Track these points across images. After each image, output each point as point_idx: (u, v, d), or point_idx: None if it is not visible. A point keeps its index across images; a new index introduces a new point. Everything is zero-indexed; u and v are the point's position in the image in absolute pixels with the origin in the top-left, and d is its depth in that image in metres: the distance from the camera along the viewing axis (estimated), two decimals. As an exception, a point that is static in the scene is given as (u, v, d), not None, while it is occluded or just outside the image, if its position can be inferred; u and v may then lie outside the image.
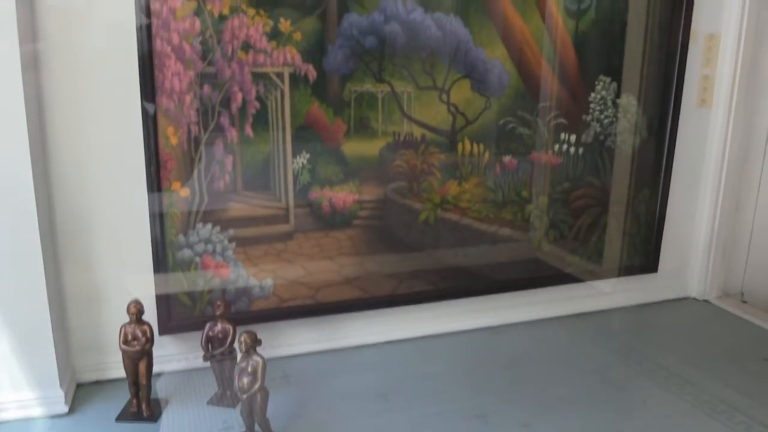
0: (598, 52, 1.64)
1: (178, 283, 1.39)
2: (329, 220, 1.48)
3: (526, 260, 1.71)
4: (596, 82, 1.66)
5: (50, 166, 1.29)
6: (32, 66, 1.21)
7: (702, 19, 1.78)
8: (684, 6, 1.72)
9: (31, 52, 1.21)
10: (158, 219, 1.35)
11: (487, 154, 1.59)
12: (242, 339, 1.17)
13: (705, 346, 1.66)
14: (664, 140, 1.79)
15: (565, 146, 1.67)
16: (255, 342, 1.17)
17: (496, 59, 1.53)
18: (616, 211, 1.78)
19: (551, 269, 1.74)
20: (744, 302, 2.02)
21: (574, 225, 1.74)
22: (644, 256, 1.87)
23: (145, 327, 1.27)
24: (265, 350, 1.20)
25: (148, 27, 1.25)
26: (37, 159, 1.23)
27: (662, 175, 1.81)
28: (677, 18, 1.72)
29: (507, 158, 1.61)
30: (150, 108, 1.29)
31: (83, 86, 1.27)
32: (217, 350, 1.30)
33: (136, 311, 1.26)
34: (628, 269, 1.86)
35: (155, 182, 1.33)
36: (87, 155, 1.31)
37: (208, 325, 1.31)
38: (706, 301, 1.99)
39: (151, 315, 1.33)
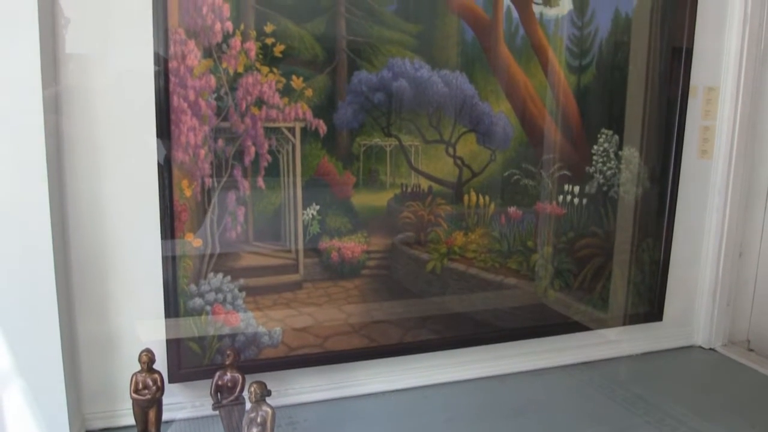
0: (599, 105, 1.69)
1: (189, 331, 1.41)
2: (338, 270, 1.51)
3: (532, 309, 1.72)
4: (598, 135, 1.70)
5: (67, 213, 1.33)
6: (53, 110, 1.26)
7: (701, 72, 1.83)
8: (683, 60, 1.77)
9: (53, 96, 1.26)
10: (171, 269, 1.37)
11: (492, 205, 1.62)
12: (252, 389, 1.18)
13: (712, 396, 1.66)
14: (666, 190, 1.82)
15: (568, 197, 1.70)
16: (264, 392, 1.18)
17: (501, 113, 1.58)
18: (620, 260, 1.81)
19: (557, 318, 1.76)
20: (750, 350, 2.02)
21: (579, 274, 1.76)
22: (649, 304, 1.88)
23: (156, 376, 1.29)
24: (273, 398, 1.22)
25: (166, 85, 1.30)
26: (56, 205, 1.26)
27: (665, 224, 1.84)
28: (676, 71, 1.77)
29: (512, 209, 1.64)
30: (165, 161, 1.33)
31: (100, 137, 1.32)
32: (226, 399, 1.32)
33: (148, 360, 1.28)
34: (633, 318, 1.87)
35: (169, 233, 1.36)
36: (103, 204, 1.35)
37: (217, 374, 1.33)
38: (712, 349, 1.99)
39: (161, 363, 1.35)
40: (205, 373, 1.39)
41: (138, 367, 1.28)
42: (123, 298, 1.40)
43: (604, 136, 1.71)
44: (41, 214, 1.22)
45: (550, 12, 1.59)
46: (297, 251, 1.47)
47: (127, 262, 1.39)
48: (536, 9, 1.57)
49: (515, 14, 1.56)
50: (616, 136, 1.72)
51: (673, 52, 1.76)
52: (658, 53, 1.74)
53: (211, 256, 1.41)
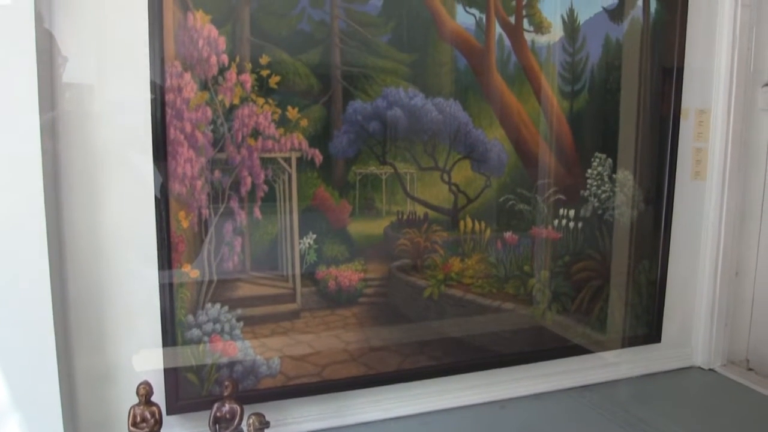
0: (592, 130, 1.71)
1: (187, 362, 1.41)
2: (335, 299, 1.51)
3: (530, 334, 1.72)
4: (592, 159, 1.72)
5: (65, 245, 1.33)
6: (50, 151, 1.27)
7: (692, 94, 1.85)
8: (674, 83, 1.79)
9: (49, 129, 1.27)
10: (168, 300, 1.38)
11: (488, 231, 1.63)
12: (251, 421, 1.18)
13: (713, 417, 1.65)
14: (661, 212, 1.83)
15: (564, 221, 1.71)
16: (263, 424, 1.18)
17: (495, 140, 1.60)
18: (617, 283, 1.81)
19: (555, 342, 1.76)
20: (750, 369, 2.02)
21: (577, 297, 1.77)
22: (647, 326, 1.88)
23: (154, 408, 1.28)
24: (272, 428, 1.22)
25: (162, 117, 1.31)
26: (53, 237, 1.27)
27: (661, 245, 1.85)
28: (668, 94, 1.79)
29: (508, 234, 1.65)
30: (162, 193, 1.34)
31: (97, 170, 1.33)
32: (224, 430, 1.31)
33: (146, 393, 1.28)
34: (632, 339, 1.87)
35: (166, 264, 1.36)
36: (100, 236, 1.35)
37: (215, 405, 1.33)
38: (711, 370, 1.99)
39: (158, 394, 1.35)
40: (203, 405, 1.39)
41: (136, 400, 1.28)
42: (120, 330, 1.39)
43: (597, 159, 1.72)
44: (39, 246, 1.22)
45: (542, 39, 1.61)
46: (294, 280, 1.47)
47: (125, 293, 1.39)
48: (528, 36, 1.60)
49: (507, 42, 1.58)
50: (610, 160, 1.74)
51: (664, 75, 1.79)
52: (649, 77, 1.77)
53: (209, 286, 1.41)
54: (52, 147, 1.27)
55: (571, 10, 1.63)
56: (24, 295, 1.23)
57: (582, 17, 1.64)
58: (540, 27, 1.61)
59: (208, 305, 1.41)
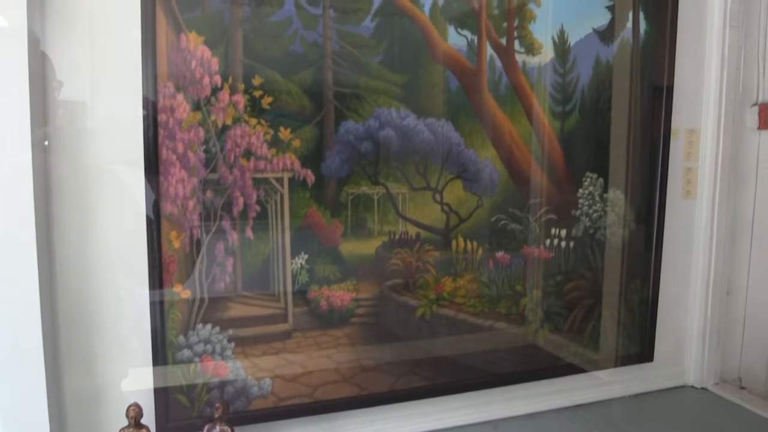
0: (583, 150, 1.72)
1: (177, 383, 1.40)
2: (327, 319, 1.50)
3: (522, 353, 1.72)
4: (583, 179, 1.73)
5: (55, 264, 1.33)
6: (41, 156, 1.27)
7: (682, 114, 1.87)
8: (664, 103, 1.81)
9: (41, 150, 1.27)
10: (159, 321, 1.37)
11: (480, 251, 1.63)
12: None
13: (705, 438, 1.66)
14: (652, 232, 1.84)
15: (556, 240, 1.71)
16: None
17: (486, 160, 1.61)
18: (609, 302, 1.81)
19: (547, 361, 1.75)
20: (742, 388, 2.02)
21: (569, 317, 1.77)
22: (639, 345, 1.88)
23: (144, 431, 1.27)
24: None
25: (155, 138, 1.32)
26: (43, 256, 1.26)
27: (652, 265, 1.86)
28: (658, 114, 1.81)
29: (500, 254, 1.65)
30: (154, 213, 1.34)
31: (89, 190, 1.33)
32: (214, 454, 1.30)
33: (135, 415, 1.26)
34: (625, 359, 1.87)
35: (157, 284, 1.36)
36: (91, 256, 1.35)
37: (206, 427, 1.32)
38: (704, 388, 1.99)
39: (149, 416, 1.33)
40: (193, 427, 1.37)
41: (125, 422, 1.26)
42: (110, 351, 1.38)
43: (589, 179, 1.73)
44: (29, 265, 1.22)
45: (533, 60, 1.63)
46: (286, 300, 1.47)
47: (115, 314, 1.38)
48: (519, 57, 1.61)
49: (498, 63, 1.59)
50: (601, 179, 1.75)
51: (654, 95, 1.80)
52: (639, 97, 1.78)
53: (200, 306, 1.40)
54: (43, 165, 1.27)
55: (562, 32, 1.65)
56: (13, 314, 1.22)
57: (572, 38, 1.66)
58: (531, 48, 1.62)
59: (199, 326, 1.40)
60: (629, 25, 1.74)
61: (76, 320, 1.36)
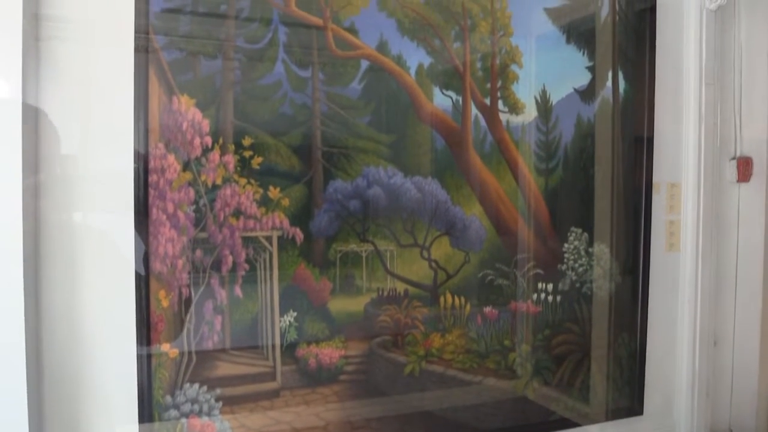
0: (568, 205, 1.76)
1: (163, 445, 1.38)
2: (315, 377, 1.50)
3: (512, 409, 1.72)
4: (568, 234, 1.76)
5: (42, 321, 1.32)
6: (32, 232, 1.28)
7: (662, 169, 1.91)
8: (644, 158, 1.86)
9: (31, 214, 1.28)
10: (146, 381, 1.36)
11: (468, 306, 1.64)
12: None
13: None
14: (637, 285, 1.86)
15: (543, 295, 1.73)
16: None
17: (473, 216, 1.63)
18: (597, 356, 1.82)
19: (537, 416, 1.75)
20: (733, 440, 2.02)
21: (558, 371, 1.77)
22: (629, 398, 1.88)
23: (128, 496, 1.25)
24: None
25: (145, 198, 1.33)
26: (30, 311, 1.26)
27: (639, 317, 1.87)
28: (639, 170, 1.86)
29: (488, 309, 1.67)
30: (143, 272, 1.34)
31: (78, 250, 1.33)
32: None
33: (120, 479, 1.25)
34: (615, 412, 1.86)
35: (145, 344, 1.35)
36: (77, 315, 1.34)
37: (192, 491, 1.30)
38: (695, 441, 1.98)
39: (134, 480, 1.32)
40: (179, 490, 1.35)
41: (109, 487, 1.24)
42: (96, 411, 1.36)
43: (573, 234, 1.76)
44: (16, 321, 1.21)
45: (516, 119, 1.68)
46: (274, 358, 1.46)
47: (101, 373, 1.36)
48: (503, 117, 1.66)
49: (483, 122, 1.64)
50: (586, 234, 1.78)
51: (635, 152, 1.85)
52: (621, 153, 1.83)
53: (188, 366, 1.40)
54: (33, 224, 1.28)
55: (544, 92, 1.70)
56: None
57: (554, 98, 1.72)
58: (514, 108, 1.67)
59: (187, 385, 1.39)
60: (609, 84, 1.80)
61: (61, 378, 1.34)
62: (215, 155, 1.39)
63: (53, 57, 1.30)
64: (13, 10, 1.21)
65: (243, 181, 1.41)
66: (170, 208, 1.36)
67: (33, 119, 1.28)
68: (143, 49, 1.33)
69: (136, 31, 1.33)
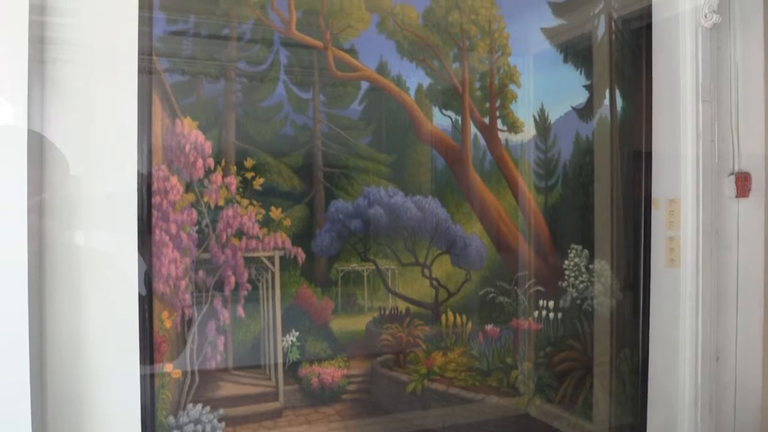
0: (567, 222, 1.77)
1: (166, 466, 1.38)
2: (318, 396, 1.50)
3: (515, 426, 1.71)
4: (569, 251, 1.77)
5: (46, 344, 1.32)
6: (36, 254, 1.29)
7: (661, 185, 1.92)
8: (643, 175, 1.87)
9: (36, 237, 1.29)
10: (149, 401, 1.36)
11: (470, 324, 1.65)
12: None
13: None
14: (638, 300, 1.87)
15: (544, 312, 1.74)
16: None
17: (473, 234, 1.64)
18: (599, 372, 1.82)
19: (540, 434, 1.75)
20: (737, 456, 2.01)
21: (560, 388, 1.77)
22: (632, 415, 1.88)
23: None
24: None
25: (149, 220, 1.35)
26: (35, 335, 1.27)
27: (640, 333, 1.87)
28: (638, 186, 1.87)
29: (489, 327, 1.67)
30: (146, 293, 1.35)
31: (81, 273, 1.34)
32: None
33: (123, 501, 1.24)
34: (618, 429, 1.86)
35: (148, 365, 1.36)
36: (82, 337, 1.35)
37: None
38: (698, 458, 1.97)
39: (136, 502, 1.32)
40: None
41: None
42: (99, 431, 1.37)
43: (574, 251, 1.77)
44: (20, 341, 1.22)
45: (515, 138, 1.69)
46: (277, 378, 1.47)
47: (105, 393, 1.37)
48: (502, 135, 1.68)
49: (482, 141, 1.65)
50: (586, 251, 1.78)
51: (634, 168, 1.87)
52: (619, 170, 1.84)
53: (191, 386, 1.40)
54: (38, 245, 1.29)
55: (542, 110, 1.72)
56: (1, 390, 1.21)
57: (553, 117, 1.74)
58: (513, 126, 1.69)
59: (190, 406, 1.40)
60: (607, 102, 1.82)
61: (65, 398, 1.34)
62: (217, 176, 1.40)
63: (58, 79, 1.32)
64: (20, 33, 1.24)
65: (245, 201, 1.42)
66: (173, 229, 1.37)
67: (38, 141, 1.29)
68: (147, 72, 1.35)
69: (139, 54, 1.35)
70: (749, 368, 2.01)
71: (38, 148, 1.30)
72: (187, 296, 1.39)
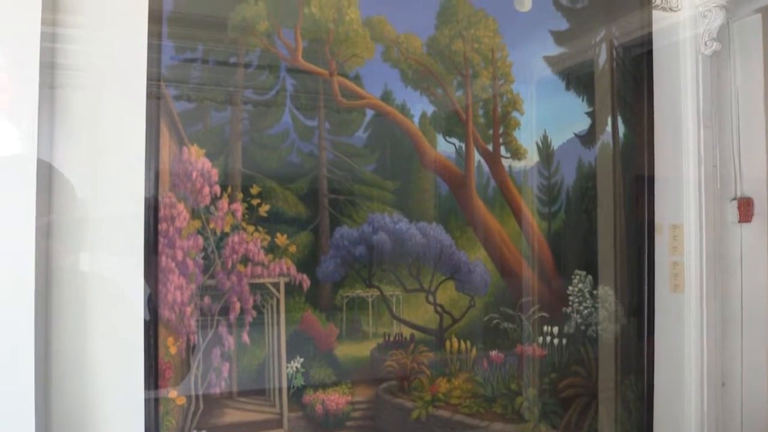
0: (571, 248, 1.78)
1: (170, 494, 1.38)
2: (322, 423, 1.50)
3: (520, 454, 1.71)
4: (572, 276, 1.77)
5: (51, 370, 1.33)
6: (43, 282, 1.30)
7: (664, 211, 1.93)
8: (646, 201, 1.88)
9: (43, 265, 1.30)
10: (153, 428, 1.36)
11: (474, 350, 1.65)
12: None
13: None
14: (643, 326, 1.86)
15: (548, 338, 1.74)
16: None
17: (477, 260, 1.65)
18: (605, 398, 1.81)
19: (546, 462, 1.74)
20: (745, 483, 1.99)
21: (565, 415, 1.76)
22: (637, 442, 1.87)
23: None
24: None
25: (155, 246, 1.36)
26: (40, 358, 1.27)
27: (645, 359, 1.87)
28: (641, 212, 1.88)
29: (494, 353, 1.67)
30: (152, 319, 1.36)
31: (89, 298, 1.35)
32: None
33: None
34: (623, 457, 1.85)
35: (153, 391, 1.36)
36: (87, 363, 1.35)
37: None
38: (706, 486, 1.95)
39: None
40: None
41: None
42: (103, 459, 1.37)
43: (578, 276, 1.77)
44: (26, 366, 1.23)
45: (519, 164, 1.71)
46: (281, 405, 1.47)
47: (109, 419, 1.37)
48: (505, 162, 1.69)
49: (486, 168, 1.67)
50: (590, 276, 1.79)
51: (637, 194, 1.88)
52: (622, 196, 1.85)
53: (195, 412, 1.40)
54: (45, 270, 1.30)
55: (545, 137, 1.74)
56: (6, 413, 1.21)
57: (555, 143, 1.75)
58: (516, 153, 1.70)
59: (194, 432, 1.40)
60: (609, 128, 1.84)
61: (69, 423, 1.35)
62: (224, 203, 1.41)
63: (67, 104, 1.35)
64: (31, 59, 1.26)
65: (251, 228, 1.43)
66: (179, 255, 1.38)
67: (46, 165, 1.31)
68: (155, 98, 1.37)
69: (148, 80, 1.37)
70: (755, 393, 2.00)
71: (46, 172, 1.31)
72: (193, 322, 1.39)
